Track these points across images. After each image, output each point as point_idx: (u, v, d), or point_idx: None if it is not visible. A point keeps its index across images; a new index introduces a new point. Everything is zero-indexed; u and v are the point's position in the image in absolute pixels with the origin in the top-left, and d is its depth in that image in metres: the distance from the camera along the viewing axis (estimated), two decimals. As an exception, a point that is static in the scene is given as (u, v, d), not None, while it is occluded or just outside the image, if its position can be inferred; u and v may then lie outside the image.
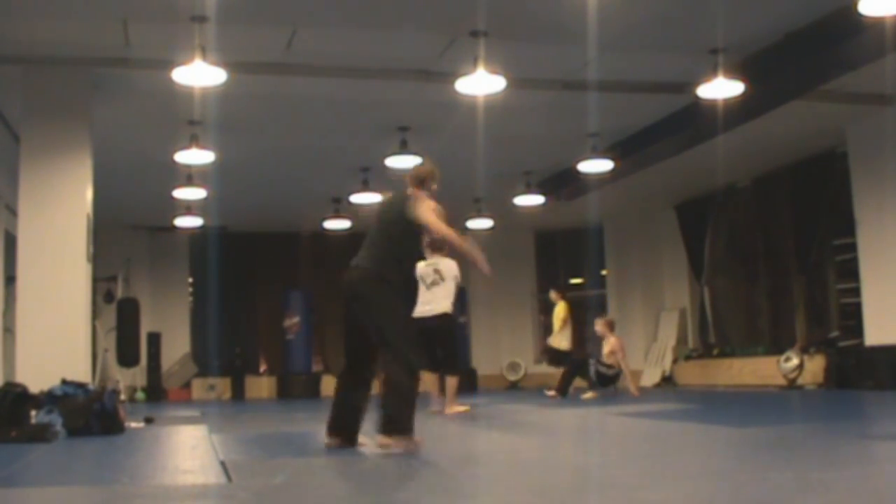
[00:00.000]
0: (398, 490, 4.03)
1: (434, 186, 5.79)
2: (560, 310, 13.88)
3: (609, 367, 12.55)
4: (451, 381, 9.25)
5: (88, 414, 7.17)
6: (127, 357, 15.64)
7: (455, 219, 16.49)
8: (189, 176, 12.71)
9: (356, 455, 5.46)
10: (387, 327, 5.26)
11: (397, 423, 5.06)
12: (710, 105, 9.86)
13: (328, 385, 18.12)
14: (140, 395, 16.18)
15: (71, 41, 8.66)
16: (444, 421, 8.34)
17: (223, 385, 17.59)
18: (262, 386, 17.88)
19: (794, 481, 3.83)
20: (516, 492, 3.86)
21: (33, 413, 7.02)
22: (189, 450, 6.19)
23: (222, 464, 4.87)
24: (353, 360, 5.50)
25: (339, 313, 19.58)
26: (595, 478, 4.20)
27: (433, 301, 9.02)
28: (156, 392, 16.68)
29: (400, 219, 5.48)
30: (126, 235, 16.98)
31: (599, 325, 13.10)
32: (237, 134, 11.37)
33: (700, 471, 4.36)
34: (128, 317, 15.68)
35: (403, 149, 11.57)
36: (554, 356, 14.00)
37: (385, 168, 12.28)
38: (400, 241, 5.52)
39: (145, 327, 16.52)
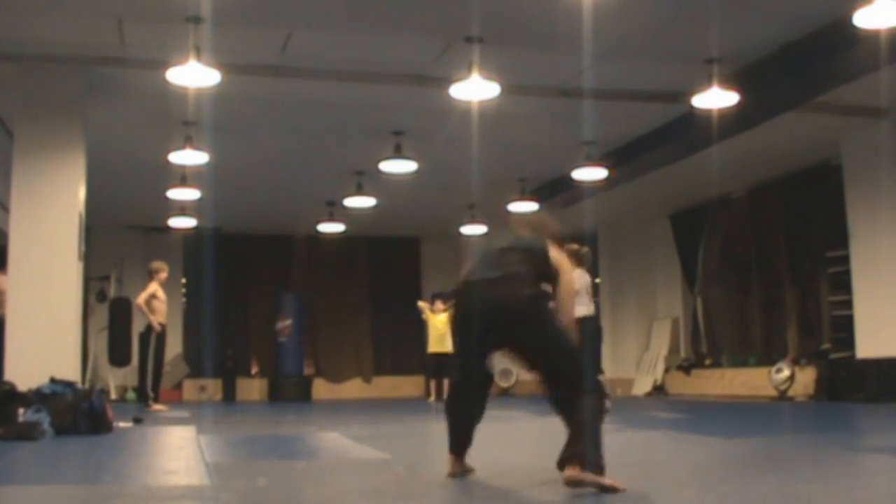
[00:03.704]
0: (378, 494, 4.02)
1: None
2: (446, 318, 14.44)
3: None
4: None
5: (76, 413, 7.16)
6: (118, 357, 15.62)
7: (450, 224, 16.56)
8: (183, 176, 12.70)
9: (341, 459, 5.45)
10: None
11: None
12: (705, 115, 9.87)
13: (319, 388, 18.14)
14: (130, 395, 16.14)
15: (66, 40, 8.65)
16: (438, 424, 8.32)
17: (214, 386, 17.56)
18: (253, 388, 17.86)
19: (779, 493, 3.83)
20: (500, 500, 3.85)
21: (21, 411, 7.01)
22: (175, 451, 6.18)
23: (207, 465, 4.86)
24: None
25: (332, 316, 19.38)
26: (578, 486, 4.19)
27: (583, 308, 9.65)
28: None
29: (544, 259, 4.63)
30: (120, 235, 16.94)
31: None
32: (231, 135, 11.36)
33: (686, 481, 4.35)
34: (119, 316, 15.66)
35: (397, 153, 11.58)
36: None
37: (379, 172, 12.29)
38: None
39: (137, 327, 16.49)
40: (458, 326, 4.59)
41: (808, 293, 14.03)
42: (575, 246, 9.89)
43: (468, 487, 4.23)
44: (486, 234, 4.68)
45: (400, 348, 18.90)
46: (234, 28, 8.27)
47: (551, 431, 4.88)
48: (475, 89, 8.81)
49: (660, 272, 17.52)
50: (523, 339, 4.38)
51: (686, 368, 16.17)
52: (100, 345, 16.19)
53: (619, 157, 12.32)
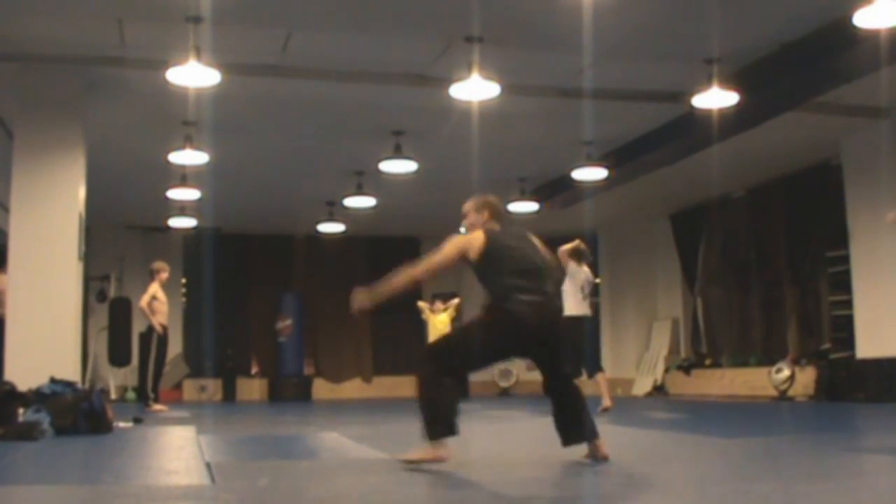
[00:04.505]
0: (378, 494, 4.02)
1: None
2: (446, 318, 14.51)
3: None
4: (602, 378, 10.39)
5: (76, 413, 7.16)
6: (118, 356, 15.64)
7: (450, 224, 16.58)
8: (183, 176, 12.70)
9: (341, 459, 5.45)
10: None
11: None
12: (705, 115, 9.87)
13: (319, 388, 18.13)
14: (130, 395, 16.16)
15: (66, 40, 8.65)
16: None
17: (214, 386, 17.56)
18: (253, 388, 17.86)
19: (779, 493, 3.82)
20: (499, 499, 3.85)
21: (21, 411, 7.00)
22: (176, 451, 6.17)
23: (208, 465, 4.86)
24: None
25: (332, 316, 19.17)
26: (579, 486, 4.19)
27: (586, 307, 10.11)
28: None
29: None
30: (120, 235, 16.95)
31: None
32: (231, 135, 11.36)
33: (686, 481, 4.35)
34: (119, 316, 15.68)
35: (397, 153, 11.58)
36: None
37: (379, 172, 12.29)
38: None
39: (137, 327, 16.50)
40: (496, 337, 4.88)
41: (808, 293, 14.03)
42: (577, 244, 10.09)
43: (468, 485, 4.23)
44: (512, 237, 4.93)
45: (400, 348, 18.87)
46: (234, 28, 8.27)
47: (551, 431, 4.88)
48: (475, 89, 8.80)
49: (660, 272, 17.53)
50: (551, 350, 4.97)
51: (686, 368, 16.17)
52: (100, 345, 16.19)
53: (619, 157, 12.32)
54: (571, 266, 9.98)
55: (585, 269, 10.11)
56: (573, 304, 9.93)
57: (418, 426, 4.72)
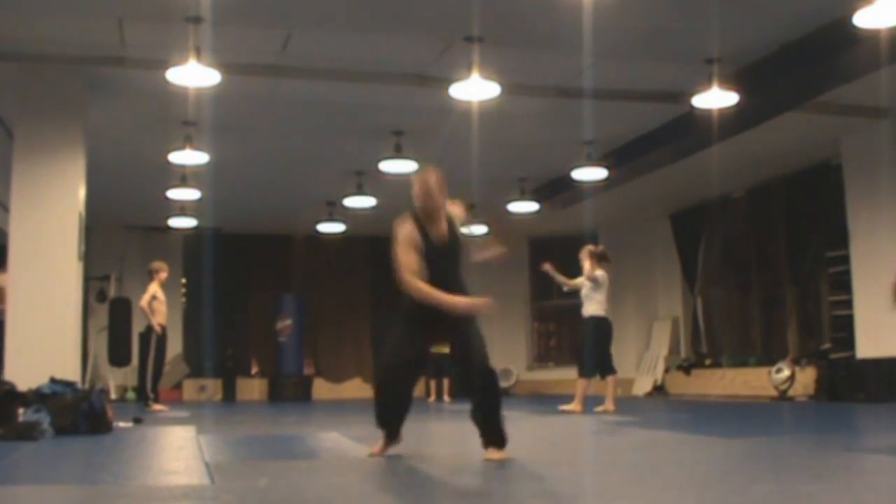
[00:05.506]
0: (378, 494, 4.01)
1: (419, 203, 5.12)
2: None
3: None
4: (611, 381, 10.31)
5: (76, 413, 7.16)
6: (118, 356, 15.63)
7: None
8: (183, 176, 12.71)
9: (341, 459, 5.45)
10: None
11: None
12: (705, 115, 9.88)
13: (319, 388, 18.14)
14: (130, 395, 16.16)
15: (66, 40, 8.65)
16: (438, 424, 8.31)
17: (214, 386, 17.56)
18: (253, 388, 17.86)
19: (778, 493, 3.82)
20: (499, 499, 3.85)
21: (21, 411, 7.00)
22: (175, 451, 6.17)
23: (207, 465, 4.86)
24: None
25: (332, 316, 19.14)
26: (578, 486, 4.19)
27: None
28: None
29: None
30: (120, 235, 16.95)
31: None
32: (231, 135, 11.36)
33: (685, 481, 4.35)
34: (120, 316, 15.68)
35: (398, 153, 11.58)
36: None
37: (379, 172, 12.28)
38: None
39: (137, 327, 16.49)
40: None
41: (808, 293, 14.04)
42: (593, 247, 10.20)
43: (468, 483, 4.23)
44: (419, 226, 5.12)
45: (400, 348, 18.84)
46: (234, 28, 8.27)
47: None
48: (475, 89, 8.81)
49: (660, 272, 17.52)
50: None
51: (686, 368, 16.16)
52: (100, 345, 16.19)
53: (619, 157, 12.32)
54: (601, 275, 10.21)
55: (602, 272, 10.28)
56: (599, 307, 10.11)
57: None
